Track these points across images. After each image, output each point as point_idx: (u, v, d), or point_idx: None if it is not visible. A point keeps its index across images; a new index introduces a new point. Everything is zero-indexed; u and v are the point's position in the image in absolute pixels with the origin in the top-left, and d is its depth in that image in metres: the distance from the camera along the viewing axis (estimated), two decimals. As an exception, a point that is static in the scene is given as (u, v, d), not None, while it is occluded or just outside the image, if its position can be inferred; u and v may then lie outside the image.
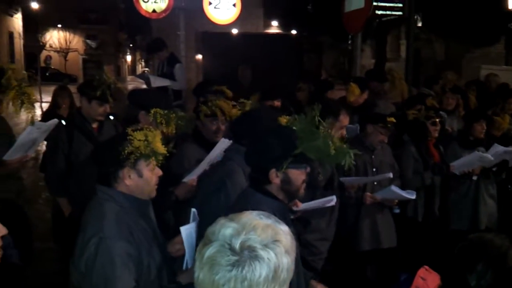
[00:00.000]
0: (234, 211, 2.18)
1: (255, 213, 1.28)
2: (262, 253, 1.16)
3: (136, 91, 3.58)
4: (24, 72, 3.42)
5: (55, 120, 3.34)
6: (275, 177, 2.10)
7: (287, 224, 2.19)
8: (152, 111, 2.97)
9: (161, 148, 2.10)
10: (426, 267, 1.68)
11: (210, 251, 1.18)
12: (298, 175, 2.13)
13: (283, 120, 2.88)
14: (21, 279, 2.37)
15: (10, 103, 3.13)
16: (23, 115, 3.26)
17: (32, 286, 3.69)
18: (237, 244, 1.16)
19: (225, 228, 1.20)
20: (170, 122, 3.01)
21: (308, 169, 2.18)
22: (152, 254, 2.07)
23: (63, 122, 3.68)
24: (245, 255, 1.16)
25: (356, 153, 2.35)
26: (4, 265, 1.49)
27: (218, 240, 1.19)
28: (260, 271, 1.15)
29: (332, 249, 3.72)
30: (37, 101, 3.45)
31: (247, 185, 2.46)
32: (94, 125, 3.68)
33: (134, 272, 1.97)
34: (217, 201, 2.52)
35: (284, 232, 1.24)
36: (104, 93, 3.53)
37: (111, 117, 3.83)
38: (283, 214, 2.16)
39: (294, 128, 2.16)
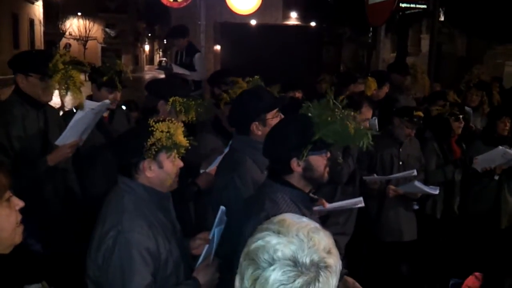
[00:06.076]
0: (252, 203, 2.18)
1: (288, 215, 1.22)
2: (330, 261, 1.12)
3: (154, 81, 3.54)
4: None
5: (107, 101, 3.22)
6: (297, 166, 2.09)
7: (310, 212, 2.19)
8: (170, 100, 2.94)
9: (183, 141, 2.08)
10: (477, 274, 1.62)
11: (275, 275, 1.09)
12: (319, 161, 2.12)
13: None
14: (43, 266, 2.37)
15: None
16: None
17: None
18: (307, 261, 1.10)
19: (283, 246, 1.11)
20: (189, 110, 2.97)
21: (329, 154, 2.17)
22: (170, 249, 2.05)
23: (74, 110, 3.63)
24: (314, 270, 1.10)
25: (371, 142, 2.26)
26: (25, 253, 1.51)
27: (279, 261, 1.10)
28: (332, 281, 1.11)
29: (350, 246, 3.69)
30: (83, 85, 3.17)
31: (265, 176, 2.42)
32: (105, 114, 3.60)
33: (152, 267, 1.95)
34: (228, 197, 2.45)
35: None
36: (112, 79, 3.46)
37: (123, 107, 3.77)
38: (304, 202, 2.16)
39: (309, 114, 2.14)
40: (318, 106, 2.16)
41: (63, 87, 2.93)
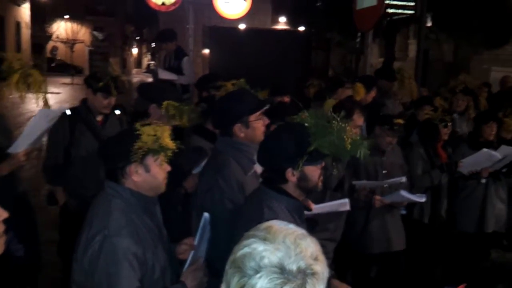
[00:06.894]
0: (248, 210, 2.17)
1: (274, 222, 1.19)
2: (317, 268, 1.09)
3: (146, 84, 3.54)
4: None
5: (63, 107, 3.22)
6: (292, 175, 2.09)
7: (302, 221, 2.19)
8: (164, 104, 2.92)
9: (170, 144, 2.06)
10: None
11: (261, 282, 1.06)
12: (314, 171, 2.13)
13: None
14: (25, 272, 2.34)
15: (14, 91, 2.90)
16: (28, 105, 3.12)
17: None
18: (294, 268, 1.07)
19: (270, 253, 1.08)
20: (183, 114, 2.96)
21: (323, 164, 2.17)
22: (157, 253, 2.03)
23: (68, 112, 3.61)
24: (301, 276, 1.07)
25: (368, 152, 2.28)
26: (9, 258, 1.47)
27: (266, 268, 1.07)
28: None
29: (338, 252, 3.67)
30: (44, 83, 3.13)
31: (248, 178, 2.42)
32: (99, 118, 3.65)
33: (138, 272, 1.92)
34: (212, 199, 2.44)
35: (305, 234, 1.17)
36: (108, 85, 3.49)
37: (117, 112, 3.77)
38: (299, 211, 2.17)
39: (305, 124, 2.13)
40: (314, 115, 2.15)
41: (24, 86, 2.88)
